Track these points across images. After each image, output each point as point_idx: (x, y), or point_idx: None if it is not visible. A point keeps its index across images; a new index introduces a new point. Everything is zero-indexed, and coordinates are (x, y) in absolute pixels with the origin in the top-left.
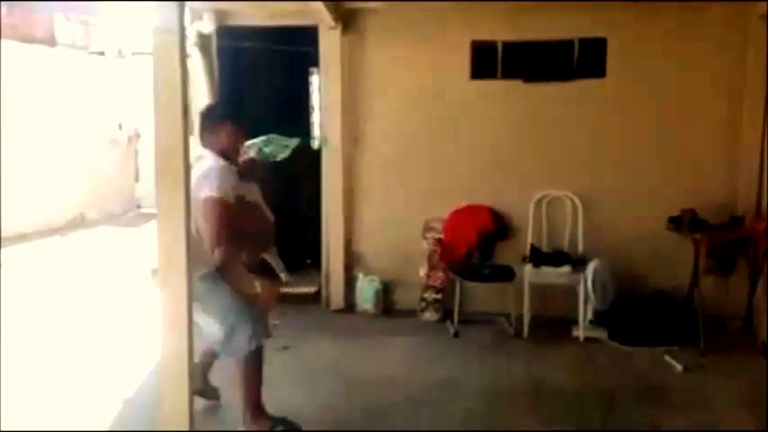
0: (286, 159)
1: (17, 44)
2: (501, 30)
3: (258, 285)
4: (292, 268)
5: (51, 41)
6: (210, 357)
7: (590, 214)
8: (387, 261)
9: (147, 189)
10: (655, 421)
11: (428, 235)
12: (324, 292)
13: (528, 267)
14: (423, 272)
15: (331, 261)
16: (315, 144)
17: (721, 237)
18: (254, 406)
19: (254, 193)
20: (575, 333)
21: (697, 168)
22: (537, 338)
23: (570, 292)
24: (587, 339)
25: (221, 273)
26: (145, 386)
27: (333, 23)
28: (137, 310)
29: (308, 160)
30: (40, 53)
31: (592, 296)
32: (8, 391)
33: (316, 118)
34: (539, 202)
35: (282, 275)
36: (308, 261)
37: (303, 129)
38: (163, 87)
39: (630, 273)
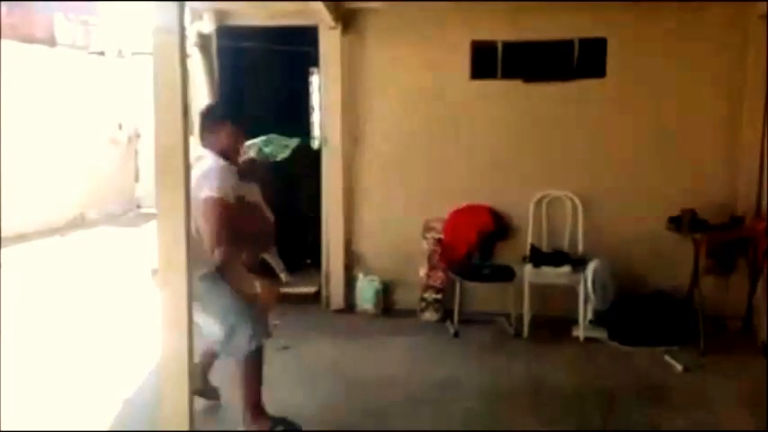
0: (286, 159)
1: (17, 44)
2: (501, 30)
3: (258, 285)
4: (292, 268)
5: (51, 41)
6: (210, 357)
7: (590, 214)
8: (387, 261)
9: (147, 189)
10: (655, 421)
11: (428, 235)
12: (324, 292)
13: (528, 267)
14: (423, 272)
15: (331, 261)
16: (315, 144)
17: (721, 237)
18: (254, 406)
19: (254, 193)
20: (575, 333)
21: (697, 168)
22: (537, 338)
23: (570, 292)
24: (587, 339)
25: (221, 273)
26: (145, 386)
27: (333, 23)
28: (137, 310)
29: (308, 160)
30: (40, 53)
31: (592, 296)
32: (8, 391)
33: (316, 118)
34: (539, 202)
35: (282, 275)
36: (308, 261)
37: (303, 129)
38: (163, 87)
39: (630, 273)
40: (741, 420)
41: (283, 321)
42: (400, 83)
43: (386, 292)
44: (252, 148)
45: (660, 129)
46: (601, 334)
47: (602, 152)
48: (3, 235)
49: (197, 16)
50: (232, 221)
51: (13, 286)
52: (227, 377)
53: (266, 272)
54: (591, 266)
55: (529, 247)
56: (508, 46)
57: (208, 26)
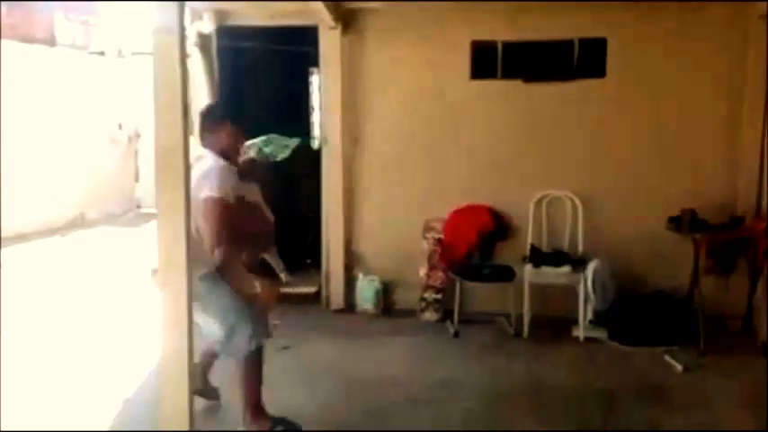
0: (286, 159)
1: (17, 44)
2: (501, 30)
3: (258, 285)
4: (292, 268)
5: (51, 41)
6: (210, 357)
7: (590, 214)
8: (387, 261)
9: (147, 189)
10: (655, 421)
11: (428, 235)
12: (324, 292)
13: (528, 267)
14: (423, 272)
15: (331, 261)
16: (315, 144)
17: (721, 237)
18: (254, 406)
19: (254, 193)
20: (575, 333)
21: (697, 168)
22: (537, 338)
23: (570, 292)
24: (587, 339)
25: (221, 273)
26: (145, 386)
27: (333, 23)
28: (137, 310)
29: (308, 160)
30: (40, 53)
31: (592, 296)
32: (8, 391)
33: (316, 118)
34: (539, 202)
35: (282, 275)
36: (309, 261)
37: (303, 129)
38: (163, 87)
39: (630, 273)
40: (741, 420)
41: (283, 321)
42: (400, 83)
43: (386, 292)
44: (252, 148)
45: (660, 129)
46: (601, 334)
47: (603, 152)
48: (3, 235)
49: (197, 16)
50: (232, 221)
51: (14, 286)
52: (227, 377)
53: (266, 272)
54: (591, 266)
55: (529, 247)
56: (508, 46)
57: (208, 26)
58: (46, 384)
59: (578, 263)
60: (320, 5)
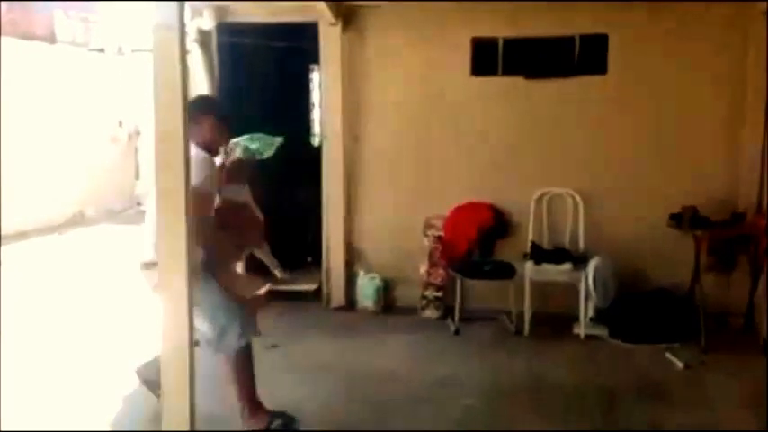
0: (286, 158)
1: (17, 41)
2: (502, 26)
3: (248, 283)
4: (293, 266)
5: (51, 38)
6: None
7: (591, 211)
8: (387, 258)
9: (147, 186)
10: (655, 419)
11: (429, 232)
12: (324, 290)
13: (529, 264)
14: (423, 269)
15: (331, 258)
16: (315, 141)
17: (722, 234)
18: (250, 401)
19: (242, 194)
20: (575, 330)
21: (698, 166)
22: (538, 336)
23: (571, 290)
24: (588, 337)
25: (207, 269)
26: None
27: (333, 20)
28: (137, 307)
29: (309, 158)
30: (40, 50)
31: (593, 293)
32: (8, 390)
33: (316, 115)
34: (539, 200)
35: (277, 272)
36: (309, 259)
37: (303, 126)
38: (163, 85)
39: (631, 270)
40: (742, 418)
41: (284, 318)
42: (401, 81)
43: (386, 290)
44: (237, 146)
45: (661, 126)
46: (602, 331)
47: (604, 150)
48: (3, 233)
49: (197, 13)
50: (210, 210)
51: (13, 284)
52: (225, 377)
53: (260, 269)
54: (592, 264)
55: (530, 244)
56: (509, 43)
57: (208, 23)
58: (46, 383)
59: (579, 260)
60: (321, 3)
